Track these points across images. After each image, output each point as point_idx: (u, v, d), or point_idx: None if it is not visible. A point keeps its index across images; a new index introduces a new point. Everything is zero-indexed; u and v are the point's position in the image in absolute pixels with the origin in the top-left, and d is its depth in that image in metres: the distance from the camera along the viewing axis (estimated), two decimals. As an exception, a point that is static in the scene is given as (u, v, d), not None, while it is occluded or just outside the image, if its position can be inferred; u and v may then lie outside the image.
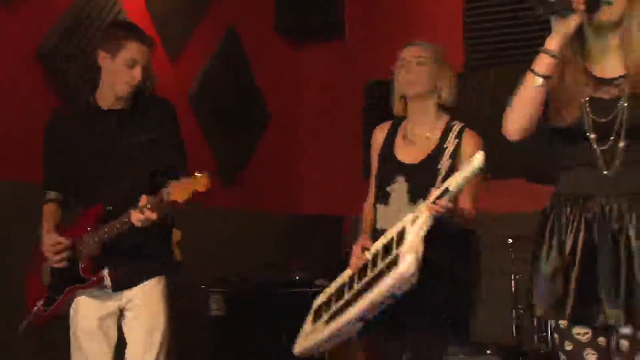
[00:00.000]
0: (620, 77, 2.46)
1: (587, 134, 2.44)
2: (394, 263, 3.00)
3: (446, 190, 2.95)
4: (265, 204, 5.98)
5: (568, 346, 2.50)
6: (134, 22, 4.88)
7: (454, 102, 3.36)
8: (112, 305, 3.33)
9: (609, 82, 2.47)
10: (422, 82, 3.28)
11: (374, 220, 3.35)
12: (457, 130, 3.30)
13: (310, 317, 3.38)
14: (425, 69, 3.27)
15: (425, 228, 3.00)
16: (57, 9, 4.60)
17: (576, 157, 2.50)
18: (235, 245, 5.44)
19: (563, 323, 2.49)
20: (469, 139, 3.29)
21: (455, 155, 3.24)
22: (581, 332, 2.47)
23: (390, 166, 3.31)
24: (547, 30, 2.47)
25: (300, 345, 3.34)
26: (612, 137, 2.44)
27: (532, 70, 2.41)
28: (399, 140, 3.35)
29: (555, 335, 2.54)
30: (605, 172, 2.44)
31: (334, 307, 3.24)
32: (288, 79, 6.37)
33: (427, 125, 3.33)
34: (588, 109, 2.45)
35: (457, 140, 3.27)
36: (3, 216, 4.13)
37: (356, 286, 3.17)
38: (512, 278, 4.99)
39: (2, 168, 4.22)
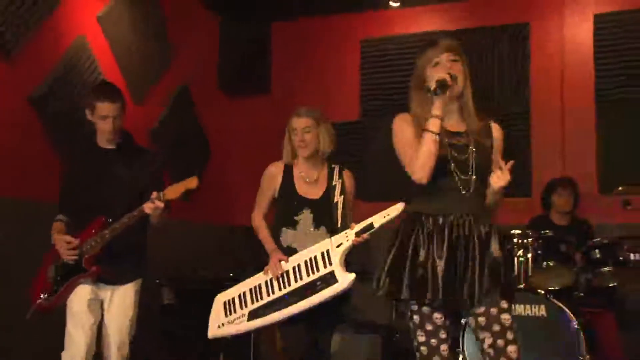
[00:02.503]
0: (464, 132, 2.62)
1: (449, 167, 2.55)
2: (331, 278, 3.13)
3: (371, 226, 3.10)
4: (208, 217, 5.96)
5: (428, 327, 2.55)
6: (108, 76, 4.90)
7: (333, 149, 3.48)
8: (98, 293, 3.34)
9: (458, 134, 2.62)
10: (311, 145, 3.40)
11: (279, 238, 3.40)
12: (337, 171, 3.46)
13: (221, 309, 3.41)
14: (311, 135, 3.39)
15: (346, 252, 3.18)
16: (48, 63, 4.53)
17: (437, 184, 2.56)
18: (186, 249, 5.41)
19: (426, 308, 2.54)
20: (348, 178, 3.48)
21: (343, 192, 3.40)
22: (438, 317, 2.54)
23: (297, 201, 3.39)
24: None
25: (216, 331, 3.41)
26: (465, 172, 2.57)
27: (429, 131, 2.51)
28: (297, 180, 3.44)
29: (416, 317, 2.57)
30: (461, 195, 2.56)
31: (252, 305, 3.30)
32: (226, 122, 6.37)
33: (316, 170, 3.45)
34: (451, 150, 2.56)
35: (340, 179, 3.41)
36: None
37: (279, 291, 3.24)
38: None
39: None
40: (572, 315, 4.04)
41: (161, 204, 3.15)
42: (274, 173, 3.48)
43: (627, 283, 4.57)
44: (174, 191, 3.15)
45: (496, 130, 2.70)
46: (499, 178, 2.52)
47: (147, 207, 3.16)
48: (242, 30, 6.30)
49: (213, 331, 3.42)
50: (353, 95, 6.29)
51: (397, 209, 3.03)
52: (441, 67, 2.56)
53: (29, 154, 4.30)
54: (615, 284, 4.57)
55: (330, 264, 3.15)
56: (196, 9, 6.05)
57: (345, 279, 3.11)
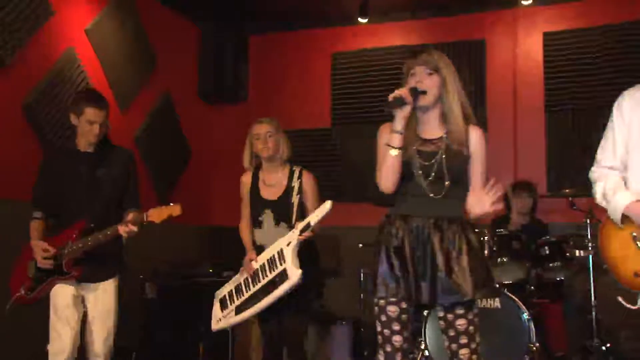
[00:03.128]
0: (438, 138, 2.55)
1: (415, 173, 2.51)
2: (285, 275, 3.27)
3: (308, 225, 3.27)
4: (188, 218, 5.92)
5: (382, 318, 2.54)
6: (95, 85, 4.88)
7: (290, 154, 3.56)
8: (80, 291, 3.31)
9: (430, 141, 2.56)
10: (272, 148, 3.49)
11: (253, 238, 3.55)
12: (297, 172, 3.53)
13: (218, 305, 3.60)
14: (273, 139, 3.49)
15: (296, 249, 3.30)
16: (39, 72, 4.51)
17: (405, 188, 2.55)
18: (167, 247, 5.38)
19: (382, 301, 2.53)
20: (307, 178, 3.53)
21: (300, 191, 3.48)
22: (392, 310, 2.52)
23: (259, 203, 3.52)
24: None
25: (216, 325, 3.60)
26: (430, 177, 2.51)
27: (389, 145, 2.47)
28: (261, 185, 3.55)
29: (375, 308, 2.58)
30: (429, 199, 2.50)
31: (237, 301, 3.48)
32: (205, 128, 6.37)
33: (277, 173, 3.53)
34: (417, 157, 2.52)
35: (299, 180, 3.49)
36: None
37: (253, 288, 3.41)
38: (361, 272, 5.13)
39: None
40: (523, 306, 4.13)
41: (134, 228, 3.10)
42: (244, 182, 3.62)
43: (573, 277, 4.68)
44: (157, 215, 3.10)
45: (474, 134, 2.55)
46: (476, 204, 2.43)
47: (122, 230, 3.13)
48: (221, 42, 6.30)
49: (214, 325, 3.61)
50: (325, 104, 6.31)
51: (326, 206, 3.22)
52: (413, 79, 2.52)
53: (22, 157, 4.26)
54: (562, 277, 4.68)
55: (284, 261, 3.30)
56: (178, 22, 6.04)
57: (294, 274, 3.25)
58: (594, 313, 4.32)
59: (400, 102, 2.44)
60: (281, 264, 3.31)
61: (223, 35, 6.31)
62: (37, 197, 3.38)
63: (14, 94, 4.32)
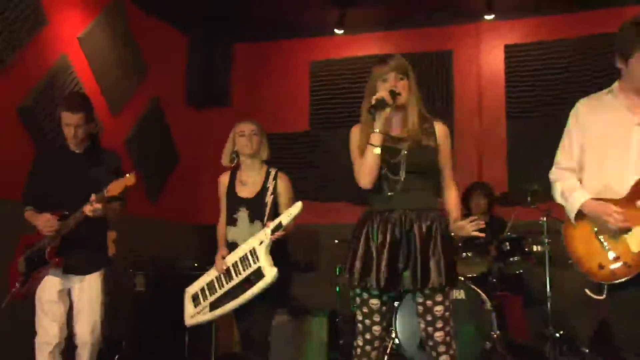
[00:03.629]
0: (404, 136, 2.64)
1: (384, 169, 2.60)
2: (260, 273, 3.25)
3: (280, 224, 3.24)
4: (176, 215, 5.98)
5: (365, 309, 2.64)
6: (88, 90, 4.87)
7: (269, 156, 3.57)
8: (66, 284, 3.33)
9: (398, 139, 2.64)
10: (256, 146, 3.48)
11: (226, 236, 3.49)
12: (273, 174, 3.50)
13: (190, 302, 3.53)
14: (257, 137, 3.49)
15: (268, 248, 3.28)
16: (34, 77, 4.53)
17: (380, 185, 2.62)
18: (156, 243, 5.43)
19: (365, 294, 2.62)
20: (282, 180, 3.50)
21: (275, 192, 3.44)
22: (374, 303, 2.62)
23: (235, 201, 3.48)
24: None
25: (190, 321, 3.53)
26: (399, 172, 2.60)
27: (371, 144, 2.57)
28: (237, 183, 3.51)
29: (358, 299, 2.66)
30: (396, 194, 2.59)
31: (210, 298, 3.41)
32: (193, 132, 6.39)
33: (254, 173, 3.51)
34: (386, 154, 2.59)
35: (274, 181, 3.46)
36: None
37: (227, 285, 3.36)
38: (337, 266, 5.20)
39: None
40: (486, 298, 4.24)
41: (99, 205, 3.11)
42: (222, 181, 3.58)
43: (531, 270, 4.81)
44: (115, 188, 3.10)
45: (439, 129, 2.69)
46: (459, 229, 2.61)
47: (87, 210, 3.14)
48: (208, 50, 6.33)
49: (188, 321, 3.54)
50: (303, 109, 6.35)
51: (297, 207, 3.21)
52: (388, 83, 2.60)
53: (21, 158, 4.26)
54: (521, 271, 4.82)
55: (258, 259, 3.28)
56: (166, 31, 6.07)
57: (270, 273, 3.24)
58: (549, 303, 4.46)
59: (383, 104, 2.53)
60: (254, 262, 3.28)
61: (210, 43, 6.32)
62: (29, 197, 3.41)
63: (11, 98, 4.35)
